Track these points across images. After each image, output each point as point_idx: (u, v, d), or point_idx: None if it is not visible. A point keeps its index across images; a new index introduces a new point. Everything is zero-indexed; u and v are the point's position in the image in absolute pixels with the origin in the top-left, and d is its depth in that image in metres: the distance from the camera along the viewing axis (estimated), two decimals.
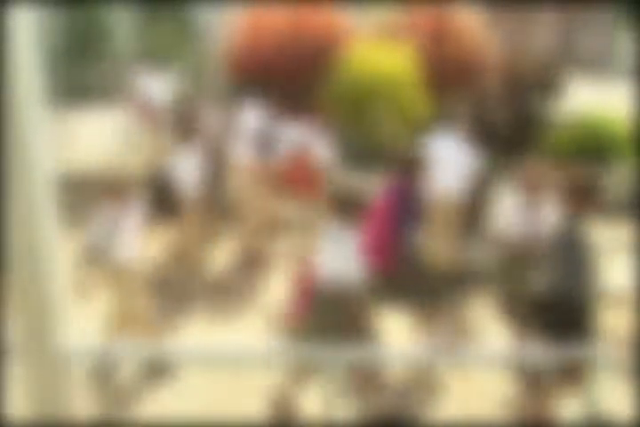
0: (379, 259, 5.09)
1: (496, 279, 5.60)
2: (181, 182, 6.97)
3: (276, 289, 6.71)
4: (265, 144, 7.58)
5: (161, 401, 4.93)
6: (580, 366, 4.33)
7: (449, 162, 6.34)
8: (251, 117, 7.73)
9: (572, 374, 4.16)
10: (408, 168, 5.61)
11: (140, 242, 5.16)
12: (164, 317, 6.07)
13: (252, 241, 7.59)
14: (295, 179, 7.45)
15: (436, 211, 5.96)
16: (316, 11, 9.72)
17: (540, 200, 5.26)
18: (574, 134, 8.77)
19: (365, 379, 4.77)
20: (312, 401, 4.43)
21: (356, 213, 4.60)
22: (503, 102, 9.14)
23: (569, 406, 4.50)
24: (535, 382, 4.99)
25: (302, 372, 4.57)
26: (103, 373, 5.16)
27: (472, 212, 6.72)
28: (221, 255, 7.53)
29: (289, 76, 9.15)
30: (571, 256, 4.24)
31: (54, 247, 2.99)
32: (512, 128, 8.88)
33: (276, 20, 9.66)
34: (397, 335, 5.30)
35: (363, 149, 8.50)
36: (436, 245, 5.85)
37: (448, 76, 9.25)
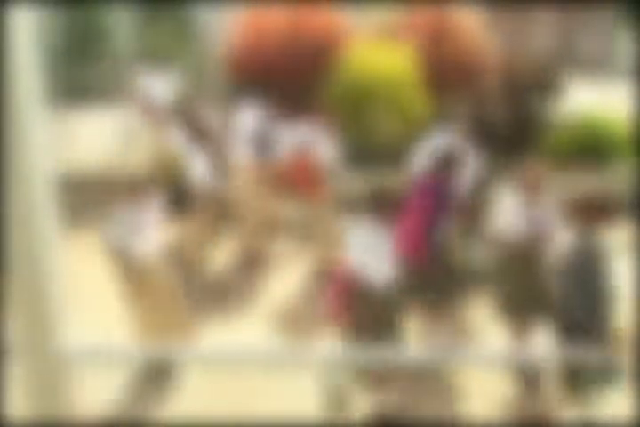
0: (412, 257, 5.13)
1: (495, 279, 5.60)
2: (194, 181, 6.98)
3: (276, 289, 6.72)
4: (264, 144, 7.58)
5: (175, 402, 4.91)
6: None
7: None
8: (250, 117, 7.73)
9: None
10: (444, 166, 5.66)
11: (161, 239, 5.17)
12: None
13: (251, 241, 7.59)
14: (297, 179, 7.46)
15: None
16: (316, 11, 9.72)
17: (540, 200, 5.27)
18: (574, 135, 8.78)
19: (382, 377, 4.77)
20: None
21: (389, 212, 4.65)
22: (502, 103, 9.15)
23: (569, 407, 4.50)
24: (535, 382, 5.01)
25: (355, 372, 4.60)
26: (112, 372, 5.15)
27: (471, 212, 6.72)
28: (221, 255, 7.53)
29: (288, 76, 9.15)
30: (587, 271, 4.22)
31: (54, 247, 2.99)
32: (511, 128, 8.89)
33: (276, 21, 9.66)
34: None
35: (362, 148, 8.50)
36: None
37: (447, 77, 9.25)
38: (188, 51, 11.56)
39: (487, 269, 5.94)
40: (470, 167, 6.50)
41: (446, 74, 9.24)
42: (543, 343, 5.03)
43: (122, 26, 11.74)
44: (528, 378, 4.98)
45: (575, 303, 4.25)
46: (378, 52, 9.30)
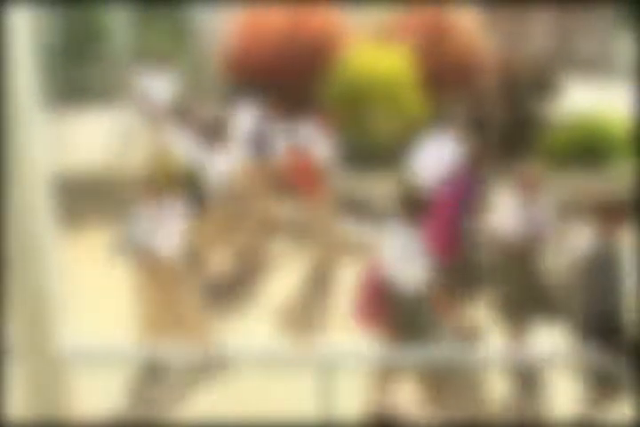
0: (445, 253, 5.14)
1: (492, 279, 5.61)
2: (211, 181, 6.98)
3: (275, 288, 6.72)
4: (262, 144, 7.58)
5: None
6: None
7: (445, 162, 6.36)
8: (248, 117, 7.73)
9: None
10: (473, 164, 5.72)
11: (181, 239, 5.17)
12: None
13: (250, 241, 7.59)
14: (295, 178, 7.47)
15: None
16: (314, 11, 9.72)
17: (536, 200, 5.28)
18: (572, 135, 8.78)
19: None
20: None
21: (421, 212, 4.65)
22: (500, 102, 9.16)
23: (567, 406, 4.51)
24: (532, 382, 5.02)
25: (393, 372, 4.60)
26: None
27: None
28: (221, 255, 7.52)
29: (286, 77, 9.15)
30: (608, 276, 4.20)
31: (53, 248, 3.00)
32: (509, 128, 8.90)
33: (274, 21, 9.66)
34: None
35: (360, 148, 8.51)
36: None
37: (445, 77, 9.25)
38: (186, 51, 11.55)
39: (485, 269, 5.95)
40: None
41: (444, 74, 9.25)
42: (542, 343, 5.04)
43: (119, 26, 11.73)
44: (525, 378, 4.99)
45: (596, 305, 4.24)
46: (375, 52, 9.31)
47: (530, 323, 5.25)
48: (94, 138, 9.48)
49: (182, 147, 7.36)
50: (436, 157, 6.40)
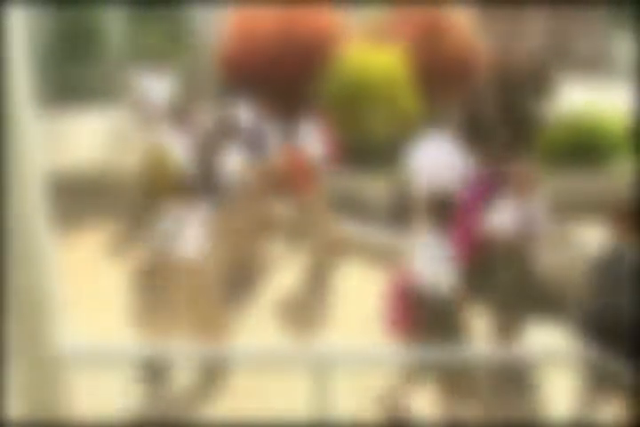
0: (471, 253, 5.15)
1: (492, 278, 5.61)
2: (222, 181, 7.00)
3: (274, 288, 6.73)
4: (258, 144, 7.59)
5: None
6: None
7: (440, 162, 6.38)
8: (244, 117, 7.74)
9: None
10: (497, 164, 5.76)
11: (205, 242, 5.21)
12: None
13: (246, 240, 7.59)
14: (290, 178, 7.48)
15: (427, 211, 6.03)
16: (309, 11, 9.73)
17: (531, 200, 5.29)
18: (569, 135, 8.79)
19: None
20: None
21: (448, 215, 4.67)
22: (496, 102, 9.17)
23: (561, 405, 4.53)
24: (522, 381, 5.03)
25: (413, 374, 4.62)
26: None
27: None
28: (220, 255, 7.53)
29: (282, 76, 9.16)
30: (621, 279, 4.19)
31: (51, 247, 3.00)
32: (505, 127, 8.91)
33: (269, 21, 9.66)
34: None
35: (356, 147, 8.52)
36: None
37: (440, 76, 9.27)
38: (182, 51, 11.55)
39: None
40: (462, 168, 6.52)
41: (439, 73, 9.27)
42: (542, 343, 5.05)
43: (116, 26, 11.72)
44: (515, 377, 5.00)
45: (606, 306, 4.23)
46: (371, 51, 9.32)
47: (524, 322, 5.27)
48: (91, 138, 9.48)
49: (179, 147, 7.36)
50: (433, 157, 6.43)
